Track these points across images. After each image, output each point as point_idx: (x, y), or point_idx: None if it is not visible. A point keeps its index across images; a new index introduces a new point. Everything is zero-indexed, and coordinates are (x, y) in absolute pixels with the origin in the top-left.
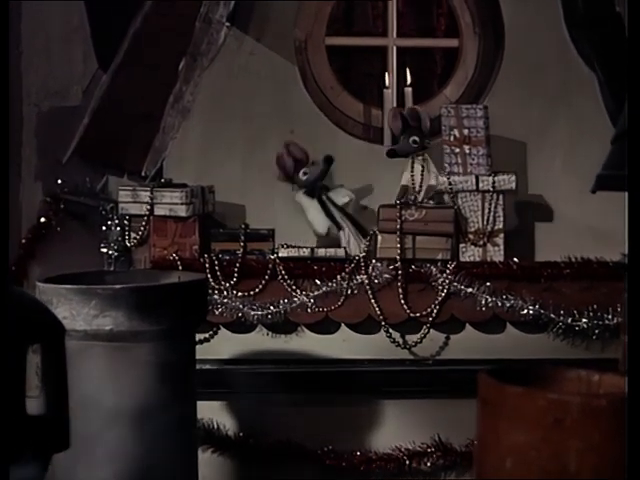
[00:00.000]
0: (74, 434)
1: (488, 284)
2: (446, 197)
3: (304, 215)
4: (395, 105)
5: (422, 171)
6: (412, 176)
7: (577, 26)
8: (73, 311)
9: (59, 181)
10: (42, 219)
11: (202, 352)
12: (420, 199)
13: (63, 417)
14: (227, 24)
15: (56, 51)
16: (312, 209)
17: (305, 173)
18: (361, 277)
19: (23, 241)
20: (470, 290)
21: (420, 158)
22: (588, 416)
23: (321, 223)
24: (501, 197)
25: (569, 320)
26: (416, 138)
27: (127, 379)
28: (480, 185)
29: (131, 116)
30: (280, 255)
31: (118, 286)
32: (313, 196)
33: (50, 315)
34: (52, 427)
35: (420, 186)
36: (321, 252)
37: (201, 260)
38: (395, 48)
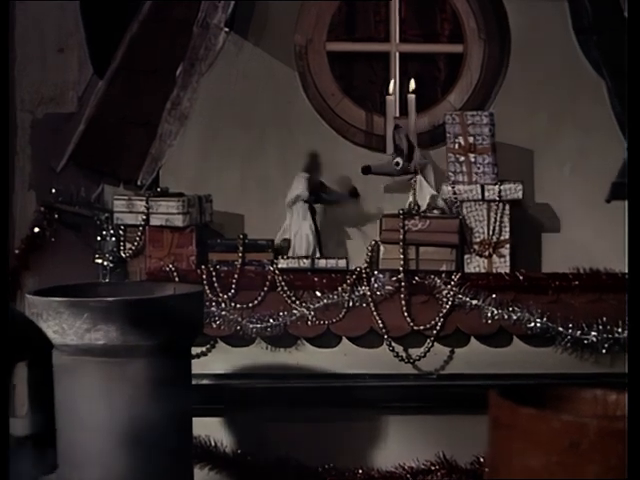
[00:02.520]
0: (65, 454)
1: (494, 296)
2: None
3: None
4: (398, 112)
5: (414, 193)
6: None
7: (585, 31)
8: (64, 325)
9: (53, 190)
10: (36, 229)
11: (199, 366)
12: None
13: (50, 438)
14: (225, 29)
15: (51, 57)
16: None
17: (327, 193)
18: (363, 289)
19: (17, 252)
20: (475, 302)
21: (413, 180)
22: (606, 439)
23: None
24: (507, 207)
25: (577, 333)
26: (399, 160)
27: (120, 396)
28: (486, 194)
29: (127, 123)
30: (279, 266)
31: (111, 299)
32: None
33: (37, 331)
34: (39, 448)
35: (415, 207)
36: (322, 263)
37: (198, 271)
38: (398, 54)
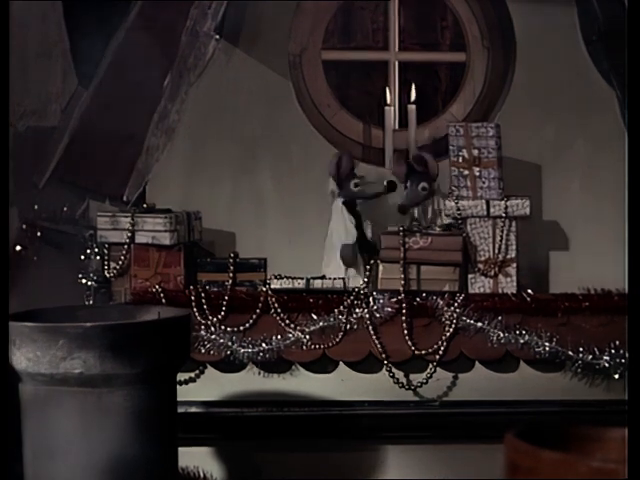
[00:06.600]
0: None
1: (500, 318)
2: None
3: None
4: (397, 124)
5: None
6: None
7: (594, 39)
8: (38, 352)
9: (36, 207)
10: (17, 247)
11: (187, 393)
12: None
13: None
14: (215, 37)
15: (33, 67)
16: (348, 221)
17: (357, 185)
18: (361, 311)
19: None
20: (480, 325)
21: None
22: None
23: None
24: (514, 223)
25: (589, 358)
26: (425, 185)
27: (98, 429)
28: (491, 210)
29: (113, 136)
30: (273, 287)
31: (89, 324)
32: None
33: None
34: None
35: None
36: (317, 284)
37: (186, 292)
38: (397, 63)
